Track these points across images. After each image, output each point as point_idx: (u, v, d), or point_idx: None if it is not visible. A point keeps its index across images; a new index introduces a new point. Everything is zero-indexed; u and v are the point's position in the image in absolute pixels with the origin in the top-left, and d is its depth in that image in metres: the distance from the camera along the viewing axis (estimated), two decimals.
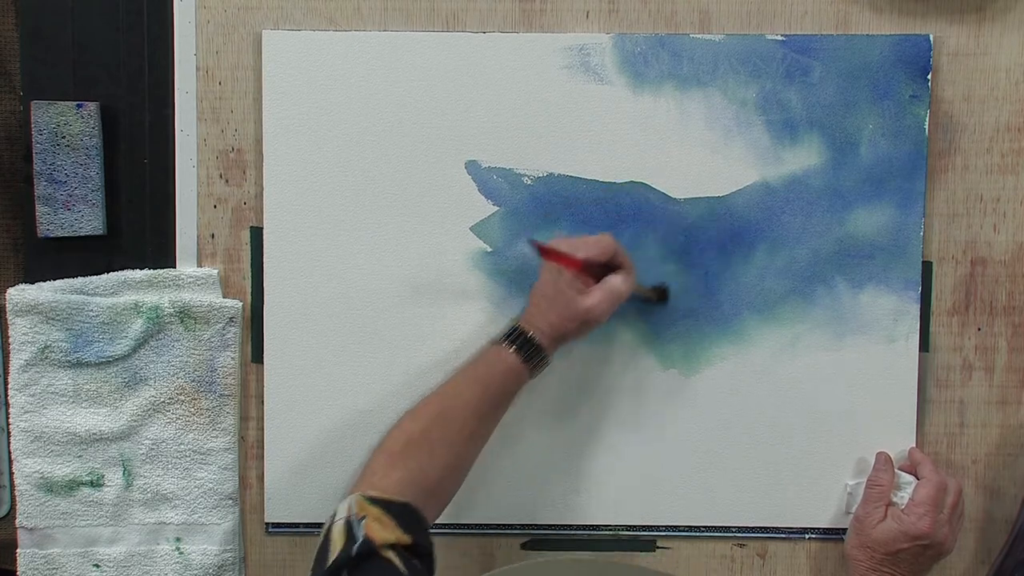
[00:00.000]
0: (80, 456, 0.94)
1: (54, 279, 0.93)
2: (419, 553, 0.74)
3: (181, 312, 0.93)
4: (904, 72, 0.92)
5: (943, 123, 0.94)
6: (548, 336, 0.86)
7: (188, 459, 0.94)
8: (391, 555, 0.72)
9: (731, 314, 0.94)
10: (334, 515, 0.75)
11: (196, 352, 0.94)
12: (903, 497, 0.90)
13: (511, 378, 0.85)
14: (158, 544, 0.95)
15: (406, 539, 0.73)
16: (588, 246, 0.86)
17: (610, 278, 0.87)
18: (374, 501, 0.75)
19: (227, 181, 0.94)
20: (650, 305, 0.94)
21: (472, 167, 0.93)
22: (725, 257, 0.94)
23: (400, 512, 0.75)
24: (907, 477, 0.92)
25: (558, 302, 0.85)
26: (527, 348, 0.85)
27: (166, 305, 0.93)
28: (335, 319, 0.94)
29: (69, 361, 0.93)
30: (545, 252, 0.86)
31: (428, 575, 0.74)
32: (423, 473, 0.79)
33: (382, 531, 0.73)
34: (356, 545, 0.72)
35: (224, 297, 0.95)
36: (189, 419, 0.94)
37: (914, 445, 0.95)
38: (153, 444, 0.94)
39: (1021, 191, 0.94)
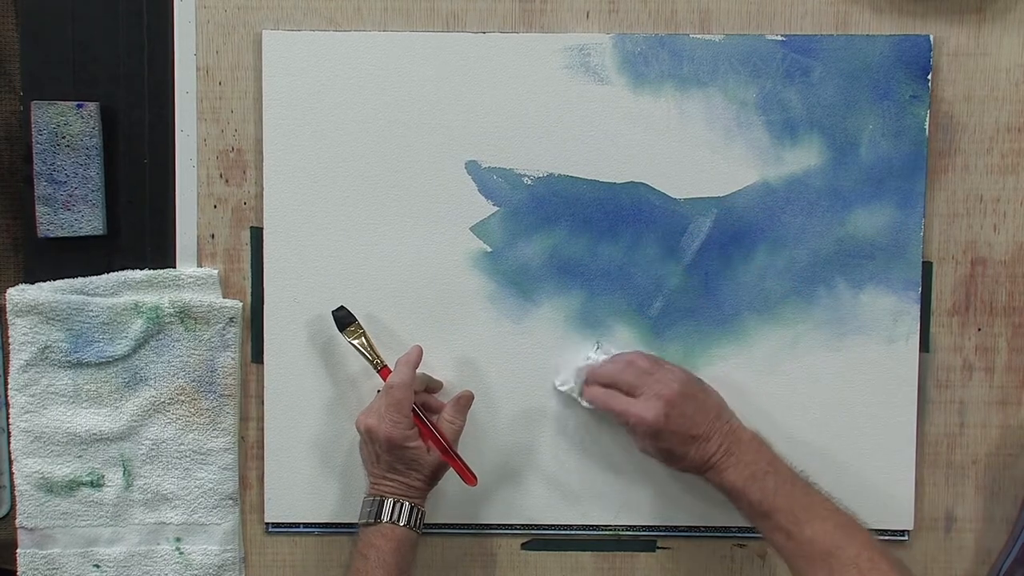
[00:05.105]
0: (80, 456, 0.94)
1: (54, 279, 0.93)
2: None
3: (181, 312, 0.93)
4: (904, 72, 0.92)
5: (943, 123, 0.94)
6: (415, 491, 0.87)
7: (188, 459, 0.94)
8: None
9: (731, 314, 0.94)
10: None
11: (196, 352, 0.94)
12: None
13: (406, 548, 0.86)
14: (158, 544, 0.95)
15: None
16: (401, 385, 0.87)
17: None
18: None
19: (227, 181, 0.94)
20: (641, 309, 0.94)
21: (472, 167, 0.93)
22: (725, 257, 0.94)
23: None
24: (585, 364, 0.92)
25: (404, 463, 0.86)
26: (405, 514, 0.86)
27: (166, 305, 0.93)
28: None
29: (69, 361, 0.93)
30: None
31: None
32: None
33: None
34: None
35: (224, 297, 0.95)
36: (189, 419, 0.94)
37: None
38: (153, 444, 0.94)
39: (1021, 191, 0.94)
